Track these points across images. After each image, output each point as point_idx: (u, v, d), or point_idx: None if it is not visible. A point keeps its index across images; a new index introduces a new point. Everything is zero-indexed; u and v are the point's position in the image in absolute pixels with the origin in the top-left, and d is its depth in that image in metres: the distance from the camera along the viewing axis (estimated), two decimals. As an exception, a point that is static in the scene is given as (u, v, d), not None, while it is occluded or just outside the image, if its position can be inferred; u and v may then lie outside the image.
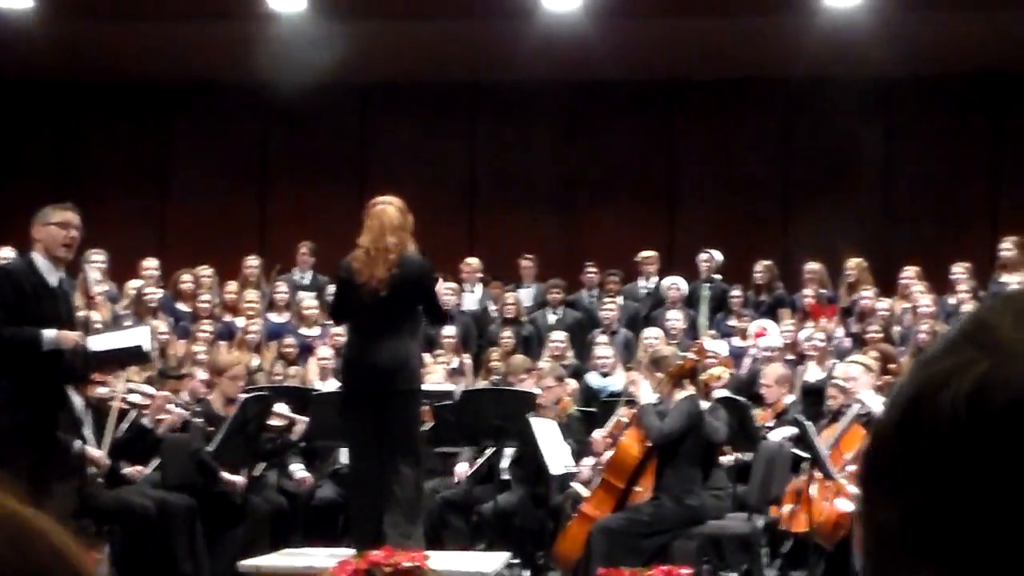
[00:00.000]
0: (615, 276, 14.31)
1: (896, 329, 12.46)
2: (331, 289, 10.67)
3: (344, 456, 9.77)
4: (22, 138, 16.88)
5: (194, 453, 9.10)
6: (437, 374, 11.26)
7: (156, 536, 8.62)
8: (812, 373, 11.53)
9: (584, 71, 15.53)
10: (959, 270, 13.13)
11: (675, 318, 12.87)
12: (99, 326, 9.85)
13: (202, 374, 10.58)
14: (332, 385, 10.79)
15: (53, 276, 7.47)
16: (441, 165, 16.17)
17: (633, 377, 10.66)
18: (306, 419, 9.74)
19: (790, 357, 11.91)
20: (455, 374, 12.10)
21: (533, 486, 9.52)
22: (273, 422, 9.78)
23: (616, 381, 11.88)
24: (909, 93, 15.85)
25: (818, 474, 8.49)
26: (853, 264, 13.53)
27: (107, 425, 8.59)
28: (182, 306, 13.35)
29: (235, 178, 16.69)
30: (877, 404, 9.38)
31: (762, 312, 13.37)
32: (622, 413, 9.58)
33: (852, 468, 8.99)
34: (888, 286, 13.55)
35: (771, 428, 9.88)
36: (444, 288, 8.88)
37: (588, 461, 9.52)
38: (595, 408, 10.98)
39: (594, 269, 14.49)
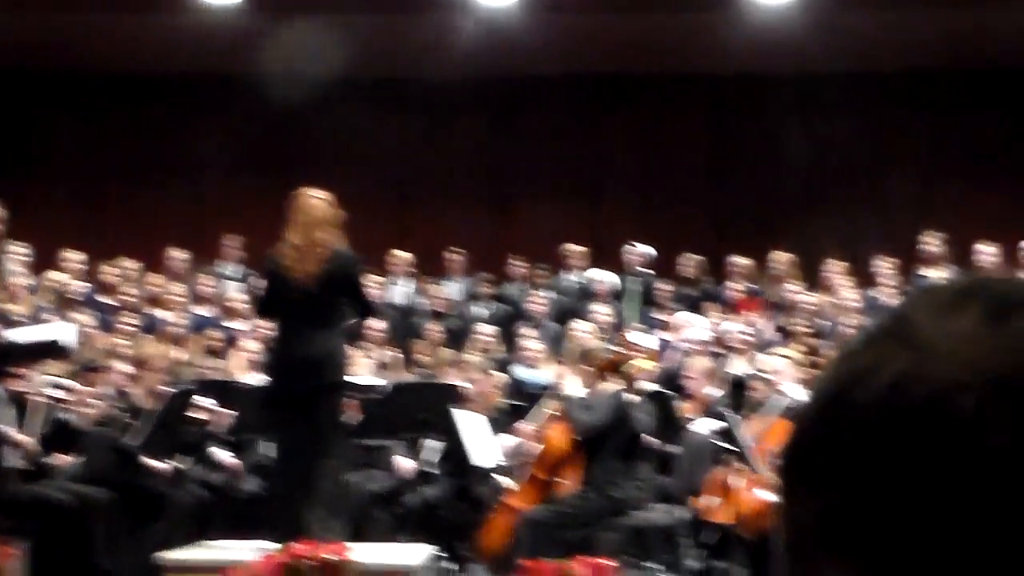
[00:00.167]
0: (543, 270, 14.34)
1: (821, 323, 12.57)
2: (257, 282, 10.60)
3: (267, 449, 9.70)
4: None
5: (116, 445, 9.00)
6: (364, 367, 11.21)
7: (74, 530, 8.51)
8: (737, 366, 11.60)
9: (513, 66, 15.53)
10: (883, 265, 13.27)
11: (602, 311, 12.91)
12: (18, 319, 9.71)
13: (125, 367, 10.46)
14: (257, 378, 10.71)
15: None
16: (371, 159, 16.10)
17: (560, 370, 10.69)
18: (230, 412, 9.67)
19: (716, 350, 11.98)
20: (383, 367, 12.06)
21: (458, 479, 9.51)
22: (196, 415, 9.70)
23: (544, 374, 11.90)
24: (837, 89, 15.99)
25: (742, 466, 8.54)
26: (780, 258, 13.64)
27: (29, 418, 8.47)
28: (105, 299, 13.20)
29: (162, 171, 16.53)
30: (801, 397, 9.46)
31: (688, 305, 13.44)
32: (549, 406, 9.59)
33: (775, 460, 9.06)
34: (814, 280, 13.67)
35: (695, 420, 9.92)
36: (370, 281, 8.85)
37: (514, 454, 9.53)
38: (522, 401, 10.99)
39: (520, 262, 14.50)
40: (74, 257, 13.34)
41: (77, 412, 9.03)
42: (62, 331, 8.45)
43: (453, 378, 10.62)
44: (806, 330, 11.93)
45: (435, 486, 9.58)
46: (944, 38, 14.57)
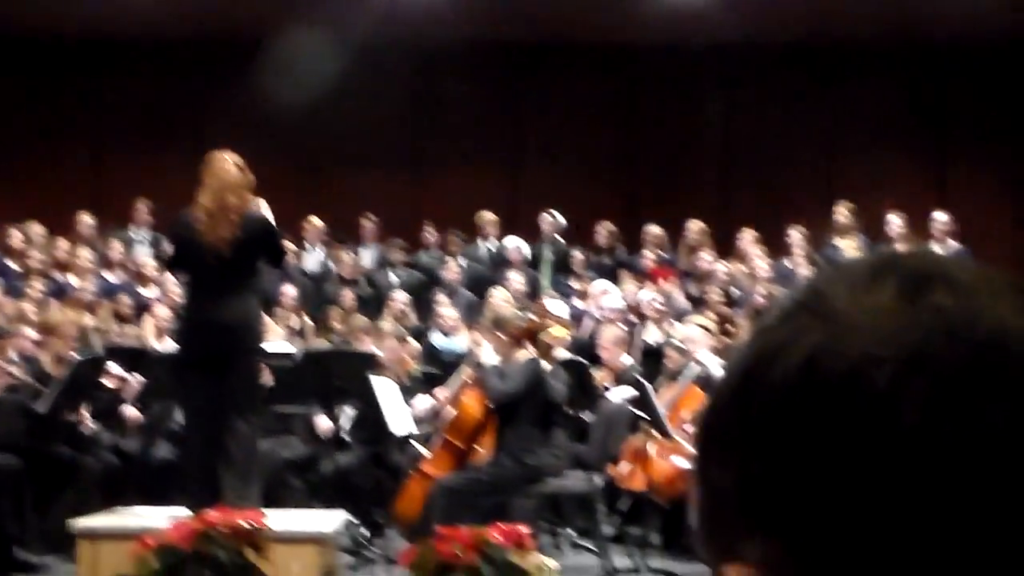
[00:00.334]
0: (458, 237, 14.32)
1: (734, 292, 12.68)
2: (167, 246, 10.47)
3: (180, 416, 9.62)
4: None
5: (24, 411, 8.88)
6: (277, 334, 11.14)
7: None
8: (651, 335, 11.68)
9: (430, 33, 15.43)
10: (795, 234, 13.41)
11: (516, 279, 12.92)
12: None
13: (32, 333, 10.31)
14: (169, 345, 10.61)
15: None
16: (283, 124, 15.93)
17: (475, 338, 10.69)
18: (141, 378, 9.58)
19: (631, 319, 12.04)
20: (295, 334, 11.99)
21: (372, 446, 9.50)
22: (106, 382, 9.59)
23: (459, 342, 11.91)
24: (750, 61, 16.09)
25: (656, 433, 8.61)
26: (693, 227, 13.73)
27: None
28: (11, 264, 12.99)
29: (67, 134, 16.27)
30: (715, 365, 9.55)
31: (603, 274, 13.49)
32: (464, 374, 9.60)
33: (690, 428, 9.14)
34: (727, 249, 13.78)
35: (609, 389, 9.98)
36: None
37: (427, 418, 9.54)
38: (438, 369, 10.98)
39: (433, 230, 14.47)
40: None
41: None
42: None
43: (367, 345, 10.59)
44: (719, 299, 12.03)
45: (349, 453, 9.55)
46: (851, 11, 14.69)
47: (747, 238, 13.57)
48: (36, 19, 15.27)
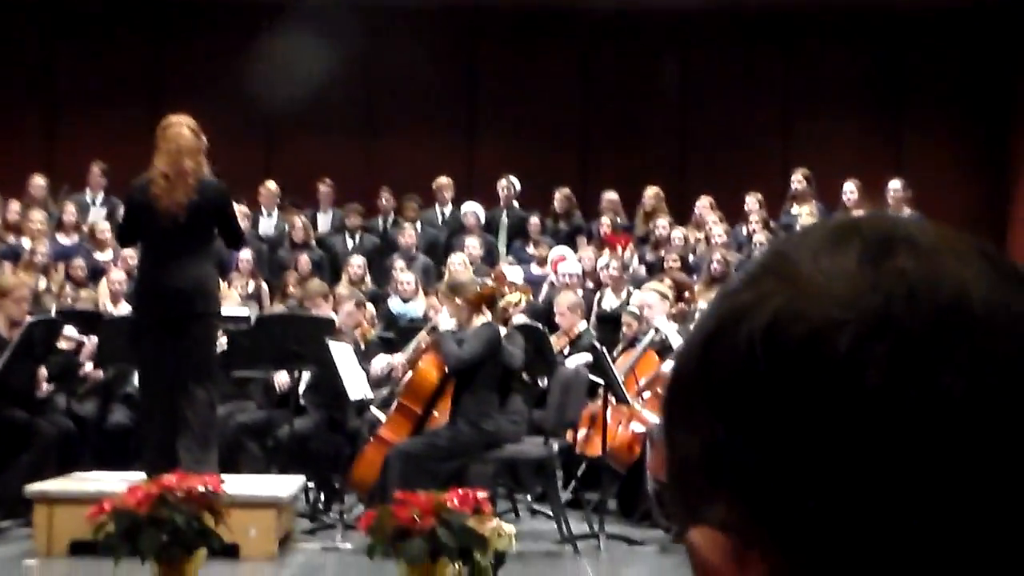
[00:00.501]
0: (413, 202, 14.28)
1: (690, 258, 12.73)
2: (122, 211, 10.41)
3: (136, 380, 9.58)
4: None
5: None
6: (232, 299, 11.10)
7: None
8: (608, 300, 11.71)
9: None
10: (751, 201, 13.46)
11: (473, 245, 12.91)
12: None
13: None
14: (124, 309, 10.56)
15: None
16: (238, 87, 15.83)
17: (432, 303, 10.69)
18: (95, 340, 9.53)
19: (588, 284, 12.07)
20: (250, 299, 11.95)
21: (329, 411, 9.49)
22: (61, 345, 9.53)
23: (416, 307, 11.90)
24: (706, 25, 16.10)
25: (613, 399, 8.64)
26: (650, 193, 13.76)
27: None
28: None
29: (18, 95, 16.10)
30: (671, 331, 9.58)
31: (560, 240, 13.51)
32: (421, 339, 9.60)
33: (647, 393, 9.19)
34: (684, 215, 13.82)
35: (566, 355, 10.01)
36: (238, 212, 8.76)
37: (381, 380, 9.53)
38: (394, 334, 10.98)
39: (389, 195, 14.43)
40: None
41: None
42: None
43: (324, 310, 10.57)
44: (675, 265, 12.07)
45: (306, 418, 9.54)
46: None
47: (704, 204, 13.61)
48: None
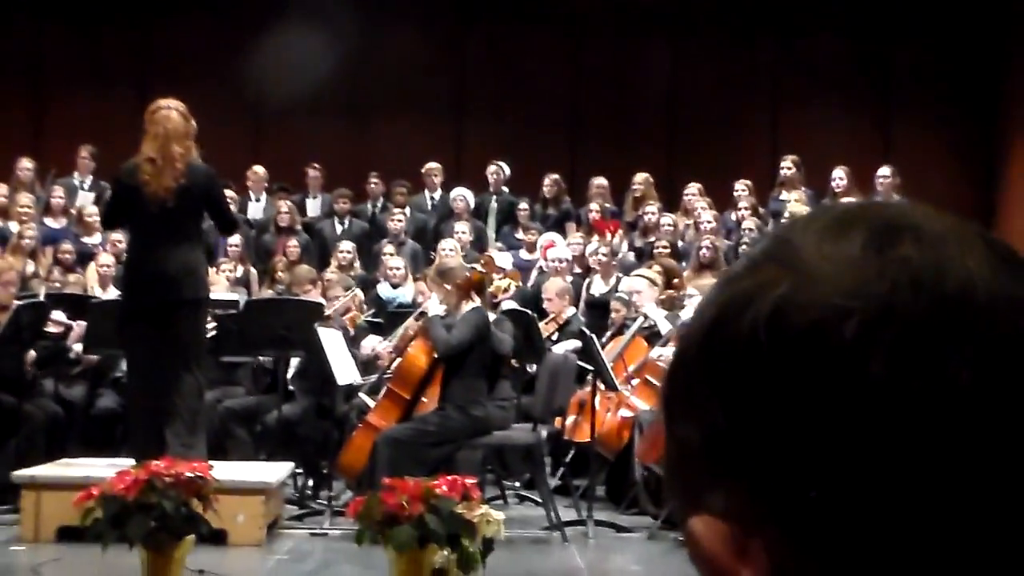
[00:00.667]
0: (402, 187, 14.25)
1: (679, 244, 12.72)
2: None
3: (125, 365, 9.56)
4: None
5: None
6: (220, 284, 11.07)
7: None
8: (597, 287, 11.70)
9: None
10: (740, 187, 13.45)
11: (462, 230, 12.89)
12: None
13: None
14: (112, 293, 10.53)
15: None
16: (227, 71, 15.79)
17: (422, 289, 10.67)
18: (83, 324, 9.50)
19: (577, 270, 12.06)
20: (239, 284, 11.93)
21: (318, 397, 9.47)
22: (50, 329, 9.50)
23: (406, 292, 11.89)
24: (696, 11, 16.09)
25: (602, 386, 8.64)
26: (639, 179, 13.74)
27: None
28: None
29: (6, 78, 16.04)
30: (660, 317, 9.59)
31: (549, 225, 13.49)
32: (409, 325, 9.58)
33: (635, 380, 9.19)
34: (672, 202, 13.82)
35: (555, 341, 10.00)
36: (227, 197, 8.74)
37: (369, 361, 9.53)
38: (383, 319, 10.96)
39: (378, 180, 14.40)
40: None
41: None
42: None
43: (311, 295, 10.55)
44: (665, 251, 12.06)
45: (294, 404, 9.52)
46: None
47: (693, 190, 13.60)
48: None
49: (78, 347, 9.79)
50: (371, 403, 9.00)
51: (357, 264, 12.60)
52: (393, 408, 8.57)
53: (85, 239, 12.63)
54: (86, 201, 13.33)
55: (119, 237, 11.53)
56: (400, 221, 13.30)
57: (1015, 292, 0.70)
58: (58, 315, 9.60)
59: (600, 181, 13.88)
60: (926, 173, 14.82)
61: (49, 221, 12.93)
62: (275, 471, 8.18)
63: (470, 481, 6.02)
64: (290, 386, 9.64)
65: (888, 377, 0.68)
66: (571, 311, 10.60)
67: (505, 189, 14.15)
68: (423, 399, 8.63)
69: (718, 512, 0.72)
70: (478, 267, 8.79)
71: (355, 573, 6.94)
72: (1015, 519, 0.68)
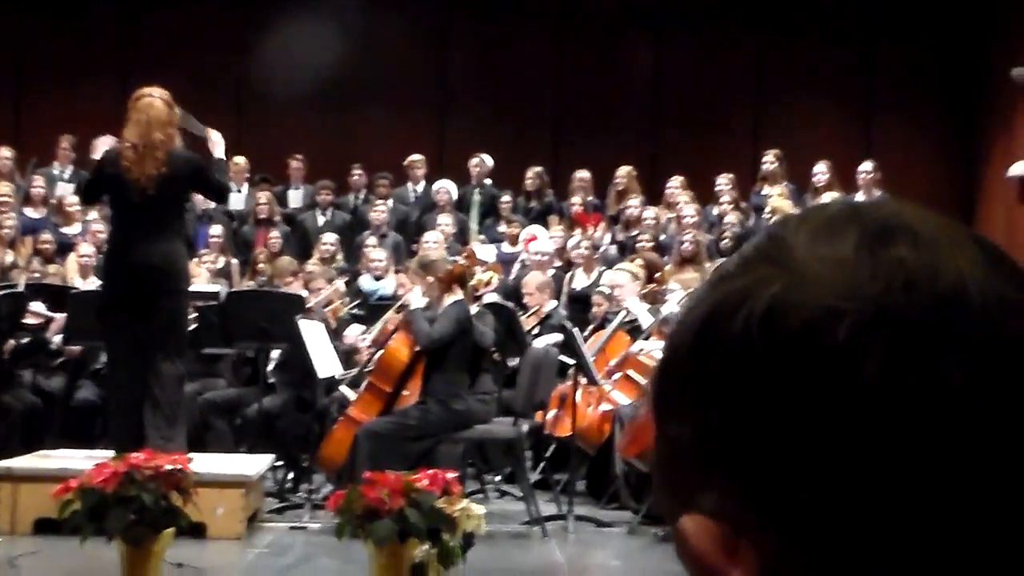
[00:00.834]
0: (385, 179, 14.22)
1: (662, 237, 12.71)
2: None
3: (105, 356, 9.52)
4: None
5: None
6: (201, 275, 11.04)
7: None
8: (579, 280, 11.69)
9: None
10: (723, 181, 13.46)
11: (445, 223, 12.86)
12: None
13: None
14: (93, 284, 10.48)
15: None
16: (209, 61, 15.74)
17: (404, 281, 10.65)
18: (63, 316, 9.46)
19: (558, 263, 12.04)
20: (220, 275, 11.88)
21: (298, 389, 9.45)
22: (29, 320, 9.46)
23: (387, 285, 11.86)
24: (680, 6, 16.10)
25: (583, 380, 8.63)
26: (622, 172, 13.73)
27: None
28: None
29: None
30: (642, 312, 9.58)
31: (532, 218, 13.48)
32: (388, 318, 9.56)
33: (617, 374, 9.17)
34: (655, 195, 13.82)
35: (536, 334, 9.99)
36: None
37: (351, 351, 9.52)
38: (365, 311, 10.94)
39: (360, 171, 14.37)
40: None
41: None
42: None
43: (293, 287, 10.52)
44: (647, 244, 12.05)
45: (274, 396, 9.50)
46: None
47: (675, 184, 13.60)
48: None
49: (58, 339, 9.75)
50: (352, 396, 8.98)
51: (339, 256, 12.57)
52: (374, 401, 8.55)
53: (65, 229, 12.58)
54: (66, 191, 13.27)
55: (100, 228, 11.48)
56: (383, 213, 13.27)
57: (1006, 293, 0.70)
58: (37, 306, 9.56)
59: (583, 174, 13.86)
60: (907, 169, 14.85)
61: (29, 211, 12.87)
62: (255, 464, 8.15)
63: (451, 475, 6.01)
64: (271, 378, 9.61)
65: (881, 379, 0.67)
66: (552, 304, 10.59)
67: (488, 181, 14.13)
68: (404, 392, 8.61)
69: (709, 511, 0.72)
70: (460, 260, 8.78)
71: (335, 567, 6.92)
72: (1007, 520, 0.68)
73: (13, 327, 9.25)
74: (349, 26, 16.05)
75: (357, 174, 14.38)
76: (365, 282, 12.02)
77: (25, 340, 9.52)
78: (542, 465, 9.63)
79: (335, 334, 9.71)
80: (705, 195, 13.54)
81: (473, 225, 13.72)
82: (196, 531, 6.73)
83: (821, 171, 13.20)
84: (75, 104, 15.28)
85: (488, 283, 9.74)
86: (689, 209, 12.78)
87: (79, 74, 15.81)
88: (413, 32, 16.26)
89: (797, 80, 16.03)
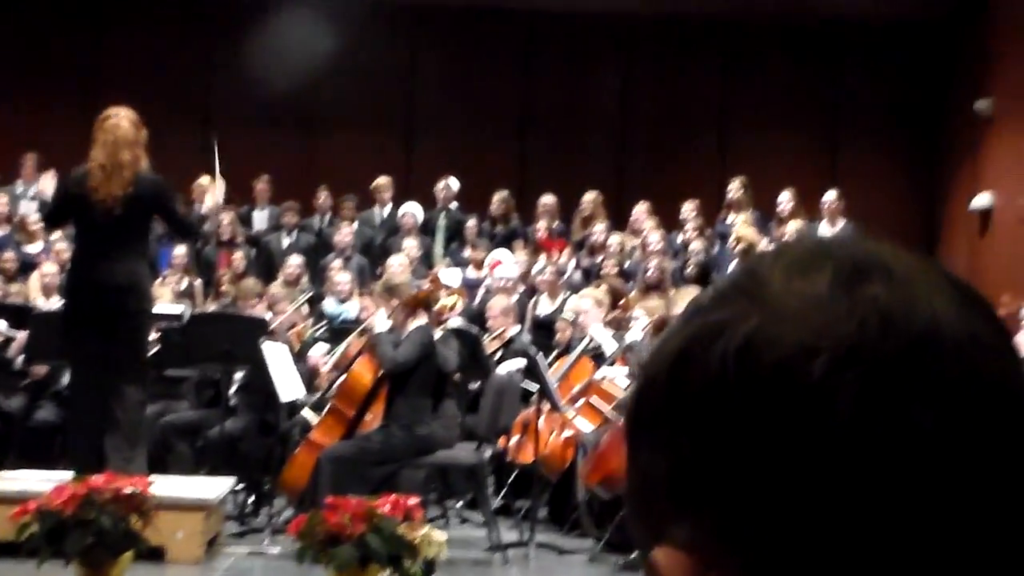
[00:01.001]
0: (351, 201, 14.19)
1: (626, 264, 12.72)
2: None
3: (67, 377, 9.45)
4: None
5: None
6: (164, 296, 10.97)
7: None
8: (543, 306, 11.68)
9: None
10: (688, 208, 13.49)
11: (410, 246, 12.84)
12: None
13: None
14: (56, 303, 10.41)
15: None
16: (176, 80, 15.69)
17: (367, 304, 10.62)
18: (25, 335, 9.39)
19: (523, 288, 12.03)
20: (183, 296, 11.82)
21: (261, 412, 9.39)
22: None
23: (351, 308, 11.83)
24: (647, 32, 16.16)
25: (546, 406, 8.61)
26: (588, 198, 13.75)
27: None
28: None
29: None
30: (606, 338, 9.58)
31: (497, 243, 13.46)
32: (351, 341, 9.53)
33: (580, 401, 9.16)
34: (621, 221, 13.83)
35: (499, 358, 9.97)
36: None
37: (312, 374, 9.48)
38: (329, 334, 10.90)
39: (326, 193, 14.34)
40: None
41: None
42: None
43: (257, 309, 10.47)
44: (612, 271, 12.06)
45: (236, 419, 9.44)
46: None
47: (641, 210, 13.62)
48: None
49: (19, 360, 9.67)
50: (314, 420, 8.93)
51: (304, 278, 12.52)
52: (336, 425, 8.51)
53: (28, 248, 12.50)
54: (29, 209, 13.19)
55: (63, 246, 11.41)
56: (348, 236, 13.24)
57: (979, 333, 0.71)
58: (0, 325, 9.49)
59: (548, 199, 13.86)
60: (871, 198, 14.93)
61: (-8, 229, 12.79)
62: (216, 487, 8.09)
63: (412, 501, 5.99)
64: (233, 401, 9.55)
65: (853, 418, 0.68)
66: (515, 329, 10.57)
67: (454, 205, 14.11)
68: (367, 416, 8.57)
69: (681, 543, 0.72)
70: (425, 284, 8.76)
71: (295, 592, 6.87)
72: (975, 560, 0.68)
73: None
74: (317, 47, 16.02)
75: (323, 196, 14.35)
76: (328, 305, 11.98)
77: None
78: (504, 491, 9.60)
79: (299, 356, 9.66)
80: (670, 222, 13.57)
81: (438, 249, 13.70)
82: (155, 555, 6.68)
83: (786, 199, 13.25)
84: (39, 122, 15.19)
85: (452, 307, 9.72)
86: (654, 236, 12.81)
87: (43, 92, 15.73)
88: (381, 55, 16.25)
89: (763, 108, 16.11)
